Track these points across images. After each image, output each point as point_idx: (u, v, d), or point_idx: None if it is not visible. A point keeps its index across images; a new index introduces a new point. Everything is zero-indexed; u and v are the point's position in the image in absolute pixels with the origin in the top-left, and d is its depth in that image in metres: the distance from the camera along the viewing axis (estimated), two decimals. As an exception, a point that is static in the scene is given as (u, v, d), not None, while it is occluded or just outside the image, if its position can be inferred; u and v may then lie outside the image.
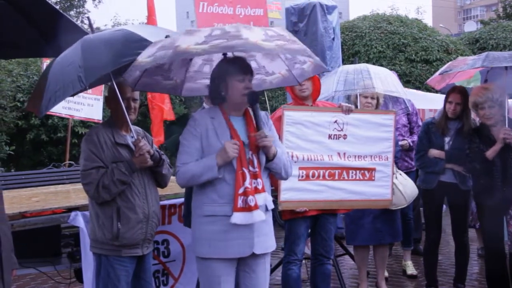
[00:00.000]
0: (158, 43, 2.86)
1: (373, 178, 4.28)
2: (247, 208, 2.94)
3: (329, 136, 4.14)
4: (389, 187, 4.36)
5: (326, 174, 4.14)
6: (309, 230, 4.29)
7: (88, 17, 3.68)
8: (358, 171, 4.23)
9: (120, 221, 3.24)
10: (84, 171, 3.25)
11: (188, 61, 3.29)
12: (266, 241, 3.11)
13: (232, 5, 5.80)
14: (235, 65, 3.03)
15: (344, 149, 4.18)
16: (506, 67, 4.38)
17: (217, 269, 3.02)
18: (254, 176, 3.00)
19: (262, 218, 2.98)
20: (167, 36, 3.02)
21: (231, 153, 2.94)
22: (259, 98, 3.19)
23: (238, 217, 2.93)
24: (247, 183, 2.96)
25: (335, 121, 4.16)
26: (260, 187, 3.00)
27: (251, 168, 3.00)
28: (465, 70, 4.43)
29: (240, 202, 2.94)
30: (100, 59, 3.10)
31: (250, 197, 2.94)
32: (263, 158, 3.09)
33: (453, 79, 4.89)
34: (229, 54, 3.10)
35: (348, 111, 4.19)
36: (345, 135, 4.19)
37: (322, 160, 4.11)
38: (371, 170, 4.27)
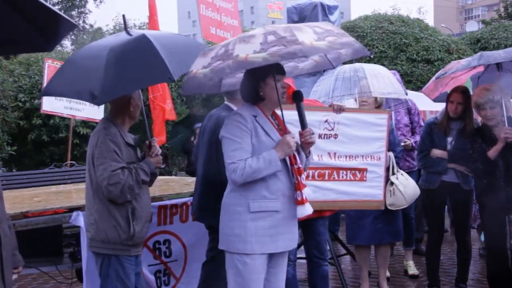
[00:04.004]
0: (208, 53, 2.96)
1: (364, 178, 4.24)
2: (301, 202, 3.03)
3: (320, 136, 4.07)
4: (381, 187, 4.32)
5: (316, 174, 4.09)
6: (301, 232, 4.27)
7: (123, 15, 3.74)
8: (349, 172, 4.18)
9: (134, 220, 3.26)
10: (112, 172, 3.18)
11: None
12: None
13: (219, 13, 5.90)
14: (273, 66, 3.06)
15: (335, 149, 4.13)
16: (498, 69, 4.37)
17: (259, 267, 3.05)
18: (299, 172, 3.06)
19: (312, 210, 3.09)
20: None
21: (294, 146, 3.03)
22: (303, 97, 3.27)
23: (299, 211, 3.04)
24: (299, 178, 3.04)
25: (326, 121, 4.12)
26: (304, 182, 3.07)
27: (295, 165, 3.08)
28: (460, 70, 4.39)
29: (298, 197, 3.04)
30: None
31: (303, 191, 3.04)
32: (303, 155, 3.17)
33: (445, 87, 4.86)
34: None
35: (339, 110, 4.16)
36: (336, 134, 4.14)
37: (312, 160, 4.07)
38: (362, 170, 4.23)
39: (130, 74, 3.19)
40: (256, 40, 2.82)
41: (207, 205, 3.75)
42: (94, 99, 3.14)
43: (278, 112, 3.29)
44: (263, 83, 3.08)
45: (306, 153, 3.21)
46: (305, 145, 3.15)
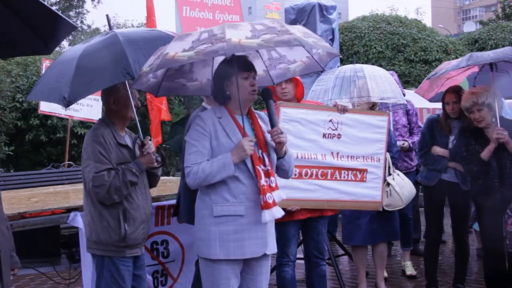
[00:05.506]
0: (158, 51, 2.89)
1: (364, 179, 4.26)
2: (265, 206, 2.88)
3: (324, 135, 4.13)
4: (380, 189, 4.34)
5: (319, 173, 4.12)
6: (300, 232, 4.27)
7: (107, 15, 3.72)
8: (350, 172, 4.21)
9: (126, 222, 3.23)
10: (96, 174, 3.15)
11: (211, 60, 3.22)
12: (273, 241, 3.10)
13: (211, 11, 5.86)
14: (239, 63, 2.98)
15: (338, 148, 4.16)
16: (492, 69, 4.38)
17: (227, 271, 2.95)
18: (267, 174, 2.95)
19: (282, 213, 2.96)
20: None
21: (249, 150, 2.89)
22: (272, 95, 3.16)
23: (264, 216, 2.88)
24: (262, 181, 2.91)
25: (330, 120, 4.15)
26: (273, 185, 2.95)
27: (262, 167, 2.95)
28: (450, 70, 4.42)
29: (261, 201, 2.90)
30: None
31: (268, 195, 2.89)
32: (275, 156, 3.07)
33: (441, 88, 4.88)
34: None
35: (343, 110, 4.18)
36: (339, 134, 4.18)
37: (316, 159, 4.09)
38: (362, 171, 4.26)
39: (95, 73, 3.15)
40: (190, 38, 2.74)
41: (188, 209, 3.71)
42: (64, 101, 3.11)
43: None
44: (228, 81, 2.99)
45: (281, 154, 3.06)
46: (276, 145, 3.01)
